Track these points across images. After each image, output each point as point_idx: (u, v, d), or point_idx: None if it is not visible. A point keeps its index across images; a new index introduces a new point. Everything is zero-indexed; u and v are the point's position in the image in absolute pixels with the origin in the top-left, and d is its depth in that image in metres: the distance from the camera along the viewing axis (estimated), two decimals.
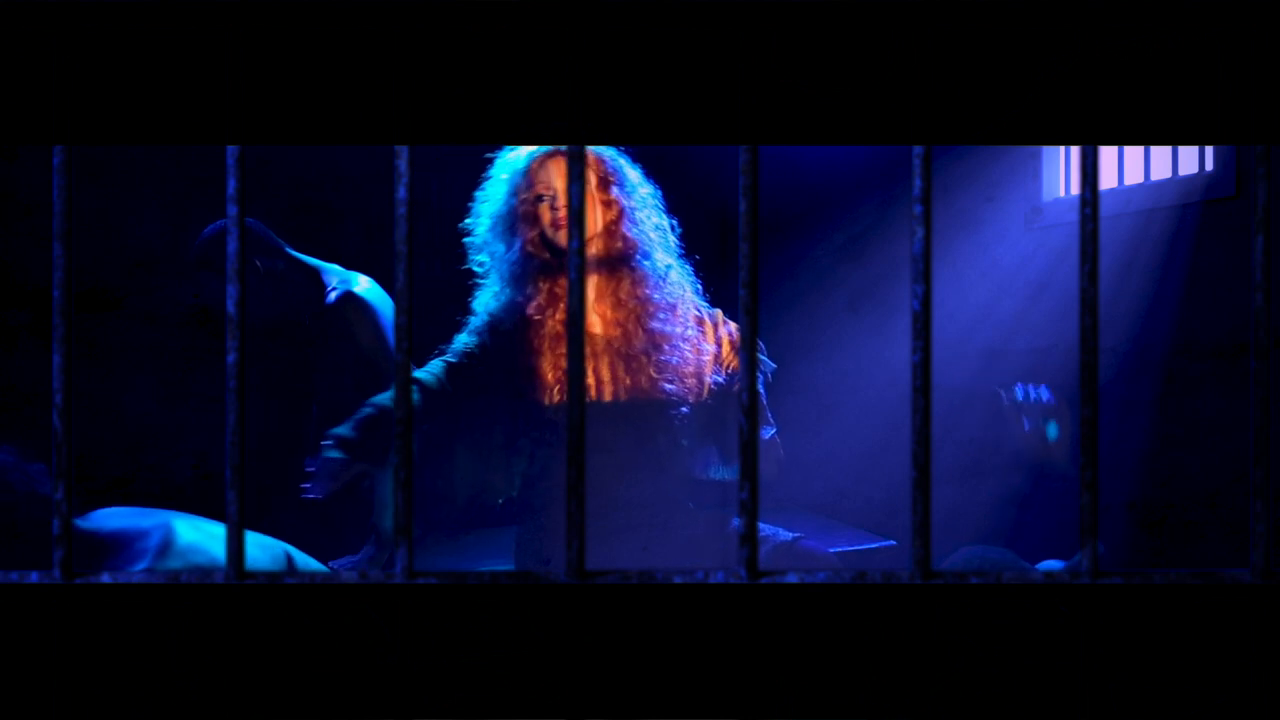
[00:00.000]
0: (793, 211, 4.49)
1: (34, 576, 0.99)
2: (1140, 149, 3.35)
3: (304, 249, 3.06)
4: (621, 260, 2.39)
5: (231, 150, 0.96)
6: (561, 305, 2.36)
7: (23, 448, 1.70)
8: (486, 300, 2.46)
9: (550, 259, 2.37)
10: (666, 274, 2.44)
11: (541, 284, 2.37)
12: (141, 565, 1.66)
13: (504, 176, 2.42)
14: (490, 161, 2.49)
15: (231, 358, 0.96)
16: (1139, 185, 3.34)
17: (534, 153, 2.39)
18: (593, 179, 2.38)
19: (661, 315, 2.40)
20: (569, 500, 0.96)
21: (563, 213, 2.32)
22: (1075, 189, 3.58)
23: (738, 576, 0.96)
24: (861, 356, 4.26)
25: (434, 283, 4.47)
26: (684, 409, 2.40)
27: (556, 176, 2.34)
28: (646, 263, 2.41)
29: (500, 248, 2.41)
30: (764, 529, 2.46)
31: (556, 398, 2.37)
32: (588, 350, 2.40)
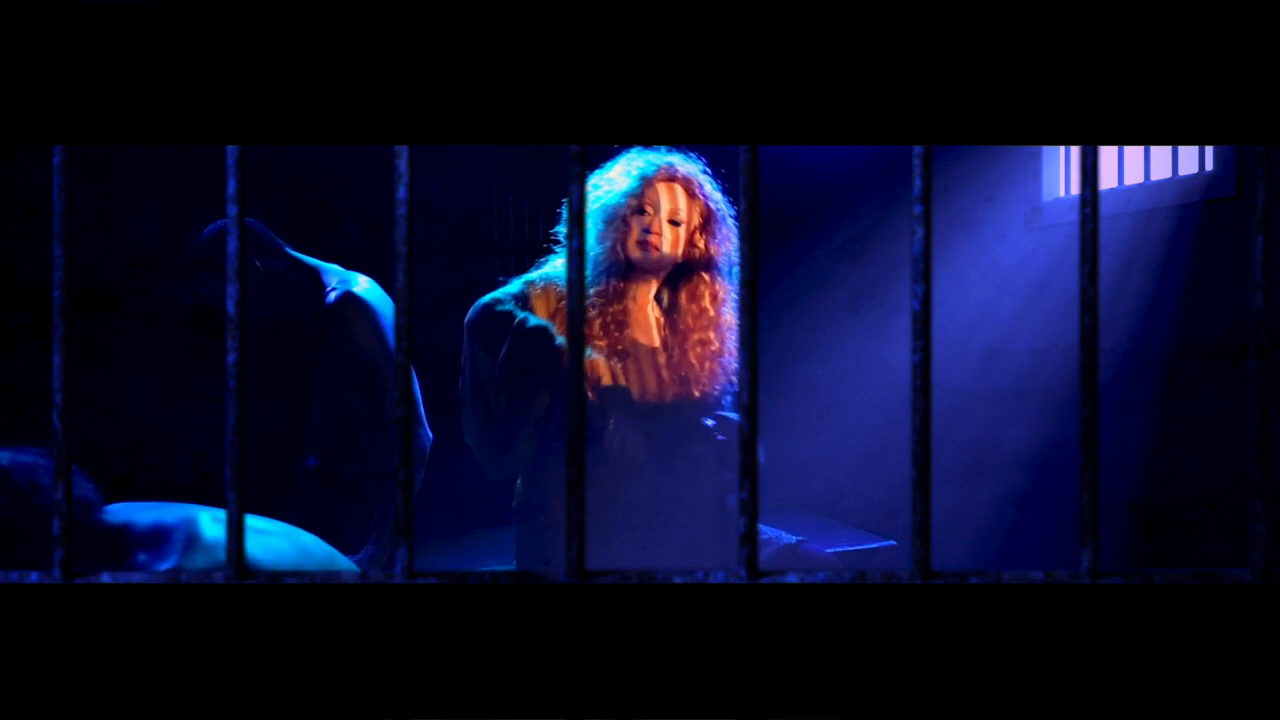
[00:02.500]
0: (793, 211, 4.49)
1: (34, 576, 0.99)
2: (1140, 149, 3.35)
3: (304, 249, 3.06)
4: (707, 300, 2.51)
5: (231, 150, 0.96)
6: (615, 305, 2.48)
7: (50, 448, 1.71)
8: (557, 266, 2.54)
9: (625, 263, 2.48)
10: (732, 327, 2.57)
11: (610, 281, 2.47)
12: (170, 562, 1.66)
13: (631, 171, 2.49)
14: (618, 151, 2.57)
15: (231, 358, 0.96)
16: (1139, 185, 3.34)
17: (659, 164, 2.47)
18: (696, 218, 2.47)
19: (725, 361, 2.52)
20: (569, 500, 0.96)
21: (651, 237, 2.43)
22: (1075, 189, 3.58)
23: (738, 576, 0.96)
24: (861, 356, 4.26)
25: (435, 284, 4.47)
26: (722, 436, 2.48)
27: (666, 198, 2.44)
28: (725, 310, 2.53)
29: (593, 232, 2.49)
30: (767, 532, 2.48)
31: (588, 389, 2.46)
32: (647, 362, 2.50)
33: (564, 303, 2.48)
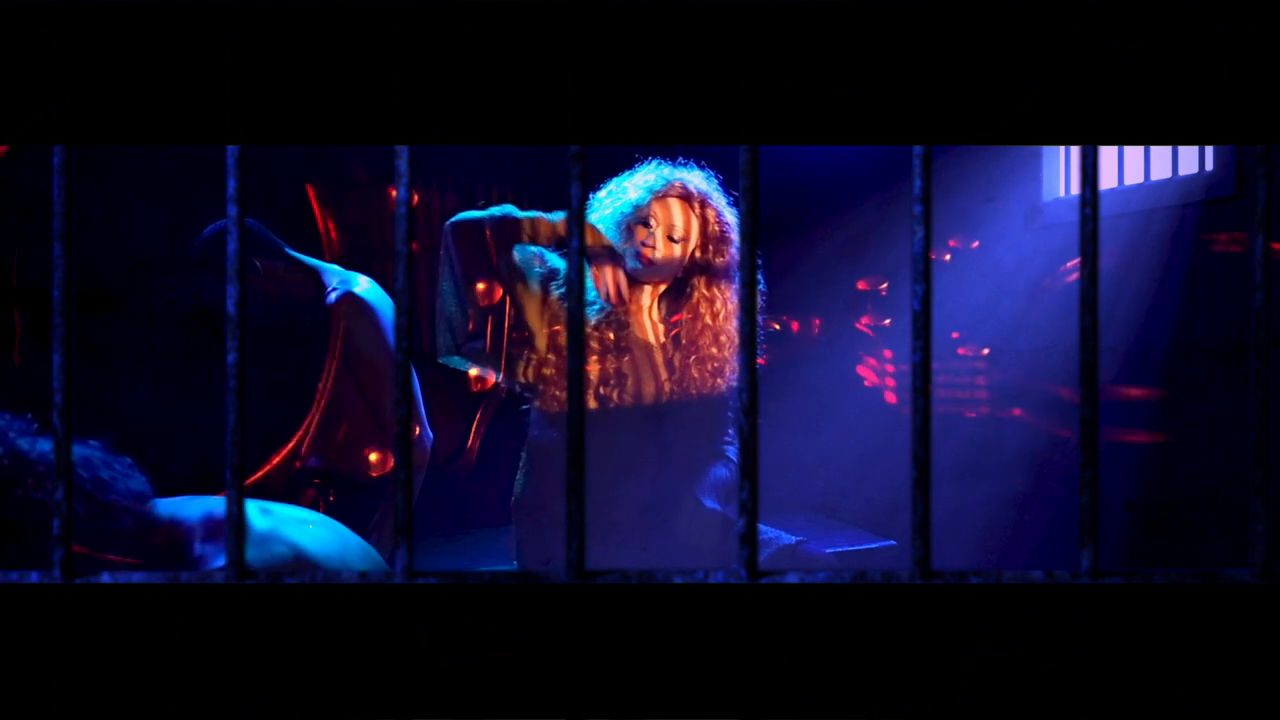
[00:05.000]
0: (793, 211, 4.49)
1: (34, 576, 0.99)
2: (1140, 149, 3.35)
3: (304, 249, 3.07)
4: (709, 316, 2.55)
5: (231, 150, 0.96)
6: (616, 306, 2.51)
7: (113, 439, 1.72)
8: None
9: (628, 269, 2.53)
10: None
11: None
12: (222, 560, 1.66)
13: (642, 183, 2.53)
14: (641, 160, 2.61)
15: (231, 358, 0.96)
16: (1139, 185, 3.34)
17: (670, 179, 2.52)
18: (700, 236, 2.51)
19: (732, 376, 2.55)
20: (569, 500, 0.96)
21: (649, 252, 2.47)
22: (1075, 189, 3.58)
23: (738, 576, 0.96)
24: (861, 356, 4.26)
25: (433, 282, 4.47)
26: (732, 449, 2.51)
27: (668, 214, 2.48)
28: (733, 325, 2.57)
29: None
30: (767, 532, 2.48)
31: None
32: (644, 359, 2.53)
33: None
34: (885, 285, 4.04)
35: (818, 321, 4.45)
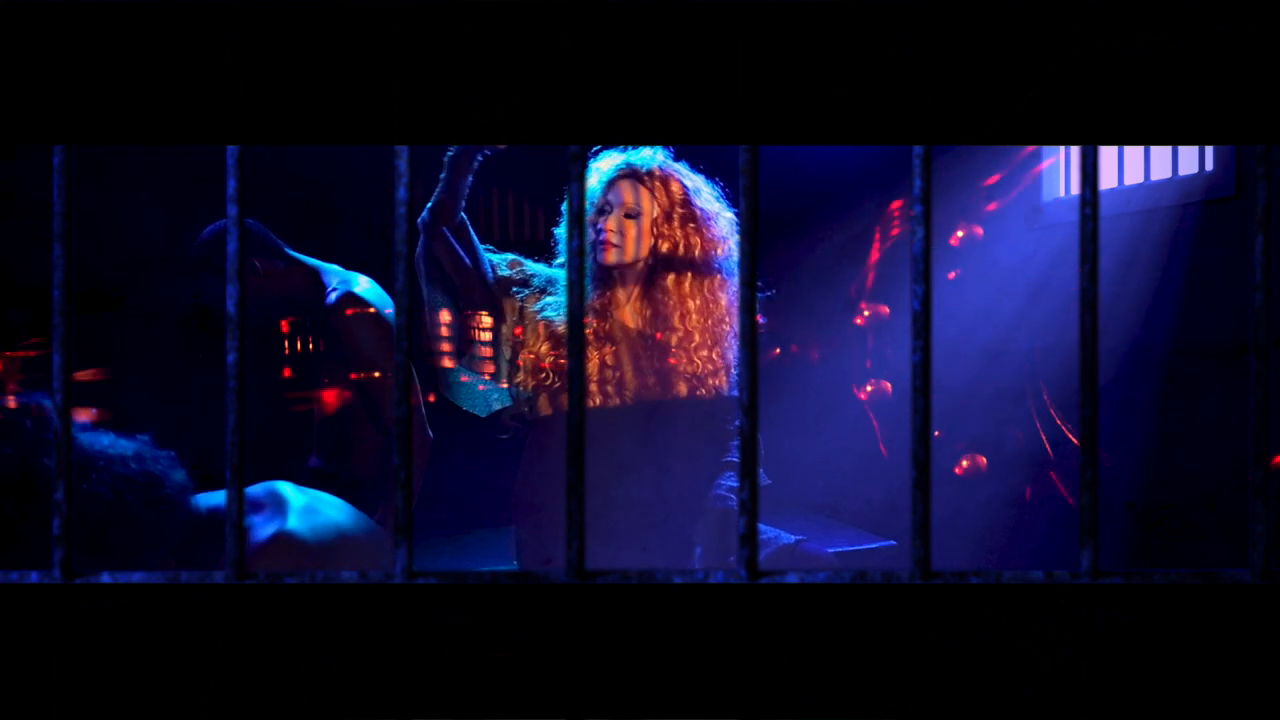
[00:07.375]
0: (793, 211, 4.49)
1: (34, 576, 0.98)
2: (1140, 149, 3.35)
3: (304, 249, 3.07)
4: (670, 283, 2.53)
5: (231, 150, 0.95)
6: (598, 301, 2.52)
7: (158, 432, 1.74)
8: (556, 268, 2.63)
9: (597, 267, 2.53)
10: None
11: (591, 283, 2.55)
12: (276, 525, 1.70)
13: (594, 171, 2.54)
14: (593, 155, 2.61)
15: (231, 358, 0.96)
16: (1139, 185, 3.34)
17: (620, 165, 2.52)
18: (656, 209, 2.50)
19: (696, 349, 2.53)
20: (569, 500, 0.96)
21: (604, 234, 2.47)
22: (1075, 189, 3.58)
23: (738, 576, 0.96)
24: (861, 356, 4.26)
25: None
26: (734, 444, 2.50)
27: (620, 194, 2.48)
28: (695, 299, 2.57)
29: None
30: (767, 531, 2.48)
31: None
32: (641, 348, 2.52)
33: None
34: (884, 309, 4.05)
35: (814, 344, 4.46)
